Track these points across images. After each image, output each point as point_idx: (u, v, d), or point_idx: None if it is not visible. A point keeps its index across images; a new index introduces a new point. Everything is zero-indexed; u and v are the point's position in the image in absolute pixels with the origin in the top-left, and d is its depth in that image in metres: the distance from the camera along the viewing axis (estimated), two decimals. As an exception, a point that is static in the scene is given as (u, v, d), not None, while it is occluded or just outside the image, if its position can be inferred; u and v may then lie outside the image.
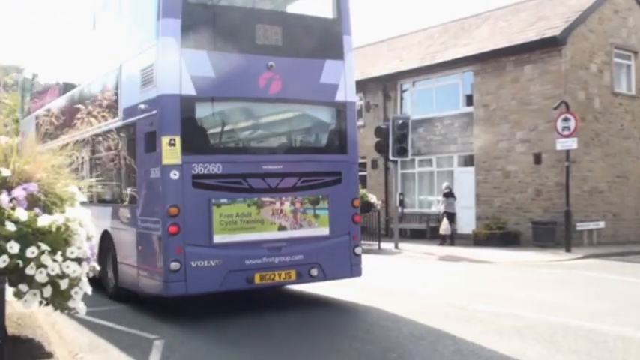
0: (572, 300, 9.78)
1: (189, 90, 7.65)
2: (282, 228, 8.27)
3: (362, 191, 22.20)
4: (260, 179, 8.16)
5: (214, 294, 8.20)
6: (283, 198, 8.30)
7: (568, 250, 17.82)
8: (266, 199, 8.15)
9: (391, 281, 11.64)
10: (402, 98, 25.86)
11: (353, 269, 8.94)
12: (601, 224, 20.05)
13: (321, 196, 8.57)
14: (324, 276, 8.68)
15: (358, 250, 9.00)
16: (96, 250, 5.61)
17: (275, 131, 9.38)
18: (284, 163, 8.36)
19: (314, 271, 8.49)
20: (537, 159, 20.62)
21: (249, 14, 8.34)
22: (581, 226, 19.50)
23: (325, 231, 8.63)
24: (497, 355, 6.16)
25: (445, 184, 21.85)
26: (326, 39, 9.05)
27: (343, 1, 9.14)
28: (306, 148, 8.94)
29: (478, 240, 20.22)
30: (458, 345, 6.54)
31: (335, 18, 9.16)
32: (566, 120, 18.25)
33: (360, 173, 27.85)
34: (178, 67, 7.55)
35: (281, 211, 8.27)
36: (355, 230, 8.99)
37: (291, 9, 9.91)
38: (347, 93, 9.08)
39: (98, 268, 5.51)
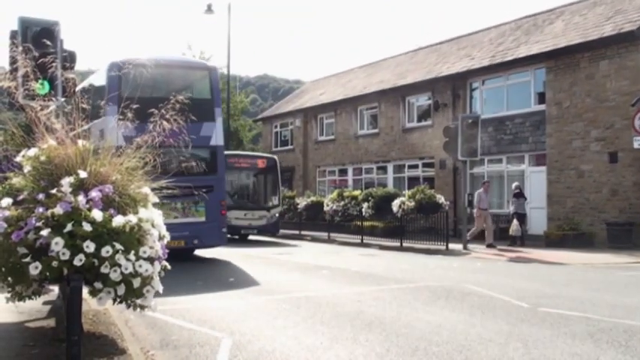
0: (649, 304, 9.44)
1: (122, 142, 10.14)
2: (176, 217, 12.67)
3: (429, 191, 22.10)
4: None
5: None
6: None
7: (646, 252, 17.20)
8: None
9: (456, 281, 11.51)
10: (471, 97, 25.55)
11: (221, 240, 15.87)
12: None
13: (200, 199, 14.14)
14: (202, 244, 15.55)
15: (224, 229, 15.99)
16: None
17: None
18: (182, 181, 10.78)
19: (195, 241, 15.12)
20: (613, 157, 19.99)
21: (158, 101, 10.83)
22: (661, 227, 18.78)
23: (203, 219, 15.14)
24: (568, 359, 6.00)
25: (515, 184, 21.41)
26: (205, 110, 15.03)
27: (215, 89, 15.93)
28: (195, 172, 11.97)
29: (549, 241, 19.77)
30: (527, 348, 6.41)
31: (210, 98, 15.54)
32: (644, 117, 17.65)
33: (428, 174, 27.92)
34: (115, 129, 9.17)
35: (176, 208, 13.36)
36: (223, 219, 15.86)
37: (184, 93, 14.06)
38: (217, 140, 15.73)
39: (169, 267, 5.68)
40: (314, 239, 25.05)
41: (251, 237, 24.97)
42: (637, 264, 15.59)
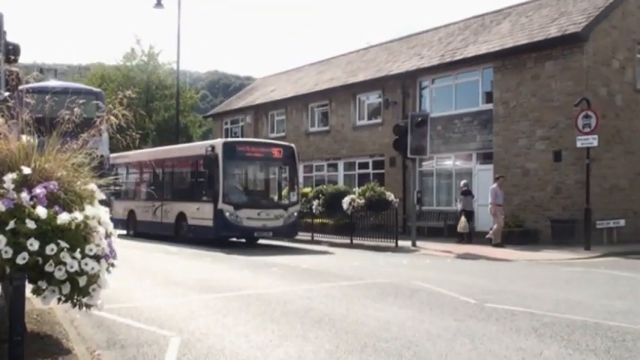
0: (591, 298, 9.71)
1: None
2: None
3: (379, 189, 22.26)
4: None
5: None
6: None
7: (587, 248, 17.71)
8: None
9: (405, 278, 11.63)
10: (421, 95, 25.82)
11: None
12: (621, 222, 19.89)
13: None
14: None
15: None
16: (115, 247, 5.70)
17: None
18: None
19: None
20: (557, 156, 20.49)
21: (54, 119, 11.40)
22: (601, 224, 19.36)
23: None
24: (514, 353, 6.13)
25: (463, 182, 21.77)
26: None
27: (101, 107, 17.23)
28: None
29: (497, 238, 20.17)
30: (474, 343, 6.53)
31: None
32: (587, 117, 18.13)
33: (378, 171, 27.93)
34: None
35: None
36: None
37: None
38: (104, 151, 16.17)
39: (116, 265, 5.57)
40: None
41: (262, 241, 21.40)
42: (578, 260, 16.03)
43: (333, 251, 18.80)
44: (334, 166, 30.67)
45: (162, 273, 13.03)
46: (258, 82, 44.44)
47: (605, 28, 20.67)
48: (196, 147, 22.73)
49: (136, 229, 24.42)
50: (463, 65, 23.89)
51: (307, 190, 27.14)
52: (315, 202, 24.71)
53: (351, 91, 29.36)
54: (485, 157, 23.24)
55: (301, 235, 22.23)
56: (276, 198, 21.65)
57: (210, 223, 19.49)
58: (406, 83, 26.09)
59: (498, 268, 14.13)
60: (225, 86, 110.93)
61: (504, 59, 22.35)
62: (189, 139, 42.42)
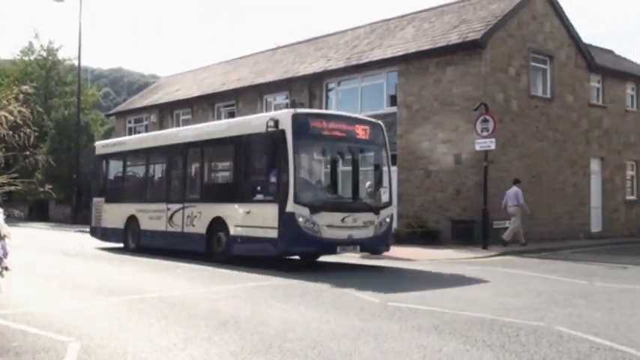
0: (488, 296, 10.11)
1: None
2: None
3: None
4: None
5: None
6: None
7: (485, 247, 18.40)
8: None
9: (313, 279, 11.72)
10: (327, 97, 26.04)
11: None
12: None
13: None
14: None
15: None
16: (9, 250, 5.43)
17: None
18: None
19: None
20: (458, 159, 21.16)
21: None
22: (498, 225, 20.15)
23: None
24: (415, 351, 6.29)
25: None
26: None
27: None
28: None
29: (399, 238, 20.57)
30: (378, 342, 6.65)
31: None
32: (485, 121, 18.80)
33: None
34: None
35: None
36: None
37: None
38: None
39: (10, 269, 5.33)
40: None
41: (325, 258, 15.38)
42: (476, 259, 16.64)
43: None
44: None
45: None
46: (164, 80, 43.58)
47: (502, 37, 21.55)
48: (246, 123, 15.52)
49: (140, 241, 17.93)
50: (369, 68, 24.30)
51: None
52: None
53: (258, 91, 29.29)
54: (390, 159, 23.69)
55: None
56: (364, 197, 15.28)
57: (271, 233, 13.11)
58: (313, 85, 26.29)
59: (401, 268, 14.46)
60: (129, 84, 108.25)
61: (408, 63, 22.90)
62: (91, 138, 41.05)
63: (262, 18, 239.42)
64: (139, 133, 37.78)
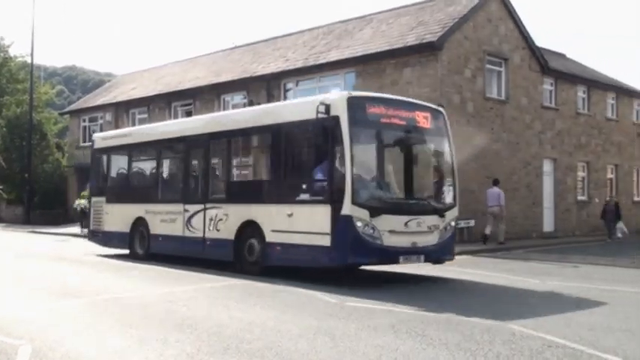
0: (444, 294, 10.23)
1: None
2: None
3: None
4: None
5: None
6: None
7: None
8: None
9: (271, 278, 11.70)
10: (285, 97, 26.01)
11: None
12: (472, 222, 21.02)
13: None
14: None
15: None
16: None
17: None
18: None
19: None
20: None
21: None
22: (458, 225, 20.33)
23: None
24: (371, 350, 6.33)
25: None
26: None
27: None
28: None
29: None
30: (335, 342, 6.67)
31: None
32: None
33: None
34: None
35: None
36: None
37: None
38: None
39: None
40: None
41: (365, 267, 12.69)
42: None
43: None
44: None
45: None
46: (120, 78, 42.97)
47: (458, 39, 21.82)
48: (287, 109, 13.42)
49: (150, 247, 15.56)
50: (327, 69, 24.34)
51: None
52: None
53: (215, 91, 29.09)
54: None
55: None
56: (428, 197, 12.51)
57: (321, 240, 11.00)
58: (271, 85, 26.22)
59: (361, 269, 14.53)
60: (83, 82, 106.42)
61: (366, 64, 23.02)
62: (44, 137, 40.23)
63: (221, 17, 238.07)
64: (93, 132, 37.18)
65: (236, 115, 15.41)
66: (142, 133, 17.78)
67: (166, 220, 14.95)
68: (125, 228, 16.21)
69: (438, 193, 12.51)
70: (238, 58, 31.23)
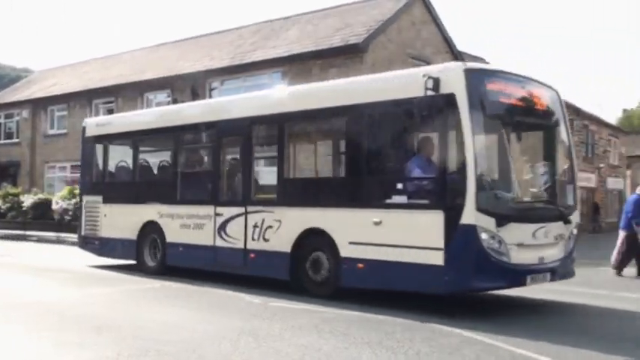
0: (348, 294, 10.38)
1: None
2: None
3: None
4: None
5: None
6: None
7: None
8: None
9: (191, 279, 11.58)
10: (210, 97, 25.80)
11: None
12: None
13: None
14: None
15: None
16: None
17: None
18: None
19: None
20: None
21: None
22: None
23: None
24: (295, 350, 6.35)
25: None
26: None
27: None
28: None
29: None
30: (258, 342, 6.66)
31: None
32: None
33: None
34: None
35: None
36: None
37: None
38: None
39: None
40: (41, 240, 23.47)
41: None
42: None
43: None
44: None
45: None
46: (38, 74, 41.56)
47: (382, 42, 22.16)
48: (380, 84, 9.80)
49: (166, 258, 12.50)
50: (252, 68, 24.26)
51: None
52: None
53: (138, 88, 28.54)
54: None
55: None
56: (551, 197, 9.66)
57: (429, 257, 8.44)
58: (196, 84, 25.91)
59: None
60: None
61: (292, 65, 23.07)
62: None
63: (144, 14, 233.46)
64: (9, 129, 35.82)
65: (292, 94, 11.39)
66: (155, 117, 14.45)
67: (189, 225, 12.03)
68: (130, 234, 13.16)
69: (560, 193, 9.80)
70: (163, 56, 30.73)
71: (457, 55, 25.65)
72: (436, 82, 8.49)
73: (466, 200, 8.12)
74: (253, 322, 7.80)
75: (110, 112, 30.01)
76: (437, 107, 8.56)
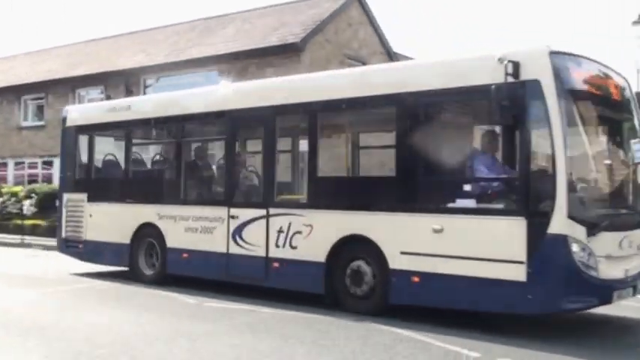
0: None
1: None
2: None
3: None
4: None
5: None
6: None
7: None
8: None
9: (127, 279, 11.36)
10: (144, 94, 25.34)
11: None
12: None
13: None
14: None
15: None
16: None
17: None
18: None
19: None
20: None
21: None
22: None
23: None
24: (229, 350, 6.32)
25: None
26: None
27: None
28: None
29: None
30: (192, 343, 6.60)
31: None
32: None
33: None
34: None
35: None
36: None
37: None
38: None
39: None
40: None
41: None
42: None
43: (47, 254, 17.60)
44: (50, 164, 28.72)
45: None
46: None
47: (320, 41, 22.21)
48: (441, 69, 8.39)
49: (166, 266, 10.91)
50: (188, 66, 23.93)
51: (17, 189, 25.19)
52: (27, 202, 23.08)
53: (70, 84, 27.76)
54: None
55: (10, 239, 20.48)
56: (632, 202, 8.58)
57: (509, 272, 7.22)
58: (130, 80, 25.42)
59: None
60: None
61: (228, 63, 22.87)
62: None
63: (77, 9, 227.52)
64: None
65: (326, 79, 9.95)
66: (152, 105, 12.54)
67: (196, 228, 10.45)
68: (122, 238, 11.56)
69: (637, 196, 8.53)
70: (96, 51, 29.99)
71: (392, 57, 25.96)
72: (516, 66, 7.32)
73: (556, 206, 6.95)
74: (188, 322, 7.72)
75: (40, 108, 29.17)
76: (516, 96, 7.26)
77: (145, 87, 25.50)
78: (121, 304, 9.12)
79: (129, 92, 25.24)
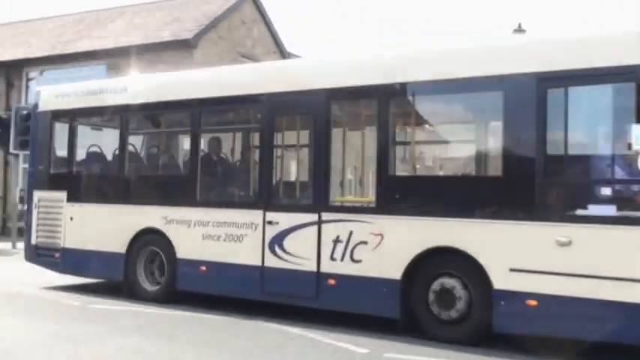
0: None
1: None
2: None
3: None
4: None
5: None
6: None
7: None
8: None
9: (4, 282, 10.81)
10: (27, 87, 24.23)
11: None
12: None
13: None
14: None
15: None
16: None
17: None
18: None
19: None
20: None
21: None
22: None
23: None
24: (116, 353, 6.15)
25: None
26: None
27: None
28: None
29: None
30: (76, 347, 6.37)
31: None
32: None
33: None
34: None
35: None
36: None
37: None
38: None
39: None
40: None
41: None
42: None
43: None
44: None
45: None
46: None
47: (213, 38, 21.98)
48: (559, 46, 6.75)
49: (176, 282, 8.99)
50: (75, 59, 23.05)
51: None
52: None
53: (-56, 76, 26.10)
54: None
55: None
56: None
57: None
58: (11, 73, 24.22)
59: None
60: None
61: (117, 57, 22.20)
62: None
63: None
64: None
65: (398, 59, 7.88)
66: (156, 86, 10.06)
67: (218, 236, 8.64)
68: (115, 246, 9.58)
69: None
70: (-27, 42, 28.34)
71: (286, 56, 26.08)
72: None
73: None
74: (71, 325, 7.44)
75: None
76: None
77: (28, 80, 24.40)
78: (1, 309, 8.66)
79: (10, 86, 24.10)
